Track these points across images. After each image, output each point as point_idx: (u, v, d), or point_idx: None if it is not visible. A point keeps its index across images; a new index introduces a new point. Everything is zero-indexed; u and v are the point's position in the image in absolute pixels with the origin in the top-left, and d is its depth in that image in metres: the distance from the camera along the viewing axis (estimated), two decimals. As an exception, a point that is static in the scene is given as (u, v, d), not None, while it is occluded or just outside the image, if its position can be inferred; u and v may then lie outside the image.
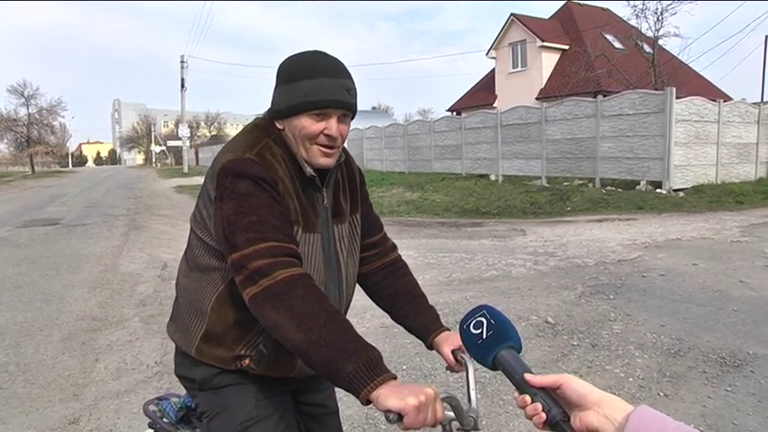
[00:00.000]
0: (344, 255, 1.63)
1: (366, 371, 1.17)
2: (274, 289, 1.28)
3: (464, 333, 1.13)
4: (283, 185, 1.44)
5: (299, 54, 1.52)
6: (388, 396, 1.13)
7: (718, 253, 8.14)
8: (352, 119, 1.55)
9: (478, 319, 1.11)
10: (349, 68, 1.52)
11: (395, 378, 1.19)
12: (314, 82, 1.43)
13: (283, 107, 1.47)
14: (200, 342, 1.54)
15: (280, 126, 1.52)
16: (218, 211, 1.39)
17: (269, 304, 1.28)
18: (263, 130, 1.53)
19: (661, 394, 3.77)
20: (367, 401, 1.17)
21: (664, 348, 4.58)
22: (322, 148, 1.48)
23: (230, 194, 1.37)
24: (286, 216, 1.41)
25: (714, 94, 24.58)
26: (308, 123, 1.45)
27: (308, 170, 1.50)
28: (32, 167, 54.93)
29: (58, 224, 13.65)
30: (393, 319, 1.78)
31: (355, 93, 1.51)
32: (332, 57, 1.51)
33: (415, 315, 1.72)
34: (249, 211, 1.35)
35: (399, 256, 1.88)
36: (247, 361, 1.52)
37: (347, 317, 1.78)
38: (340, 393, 2.21)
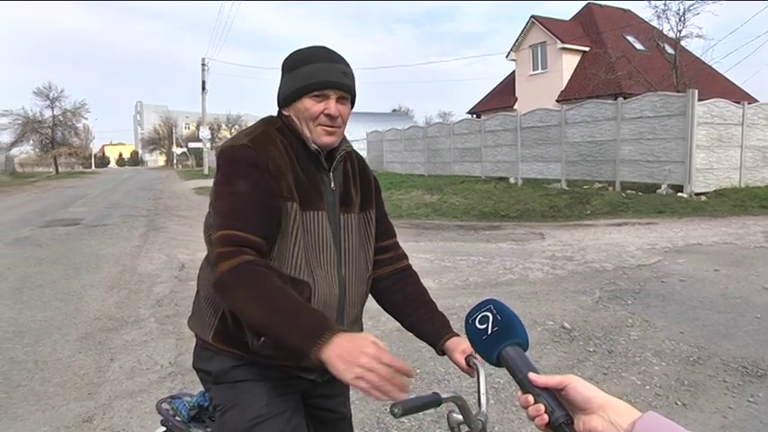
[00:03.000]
0: (349, 244, 1.67)
1: (312, 336, 1.25)
2: (223, 281, 1.39)
3: (469, 328, 1.10)
4: (275, 165, 1.52)
5: (301, 48, 1.64)
6: (337, 369, 1.20)
7: (740, 258, 8.00)
8: (353, 104, 1.67)
9: (484, 313, 1.08)
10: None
11: (339, 332, 1.25)
12: (313, 67, 1.56)
13: (287, 93, 1.60)
14: (217, 325, 1.59)
15: (287, 113, 1.62)
16: (213, 192, 1.55)
17: (222, 293, 1.42)
18: (267, 122, 1.65)
19: (679, 403, 3.71)
20: (320, 362, 1.24)
21: (682, 356, 4.50)
22: (325, 128, 1.58)
23: (221, 178, 1.51)
24: (265, 203, 1.48)
25: (738, 96, 24.23)
26: (309, 105, 1.56)
27: (313, 146, 1.59)
28: (56, 168, 55.69)
29: (79, 224, 13.81)
30: (403, 325, 1.81)
31: (353, 78, 1.63)
32: (331, 49, 1.63)
33: (426, 321, 1.74)
34: (229, 196, 1.48)
35: (410, 264, 1.91)
36: (261, 338, 1.52)
37: (363, 318, 1.81)
38: (352, 398, 2.19)
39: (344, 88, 1.59)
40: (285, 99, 1.61)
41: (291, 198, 1.52)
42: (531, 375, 0.94)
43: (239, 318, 1.46)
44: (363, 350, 1.19)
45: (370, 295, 1.84)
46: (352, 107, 1.67)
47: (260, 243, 1.45)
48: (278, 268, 1.50)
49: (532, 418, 0.91)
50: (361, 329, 1.80)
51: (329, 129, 1.58)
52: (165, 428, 1.88)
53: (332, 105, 1.56)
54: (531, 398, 0.93)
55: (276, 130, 1.60)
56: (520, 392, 0.96)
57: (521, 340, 1.03)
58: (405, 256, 1.90)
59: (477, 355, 1.55)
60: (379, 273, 1.82)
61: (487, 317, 1.07)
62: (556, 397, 0.91)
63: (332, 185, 1.64)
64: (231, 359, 1.58)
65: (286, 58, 1.63)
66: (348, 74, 1.60)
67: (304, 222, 1.54)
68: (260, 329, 1.40)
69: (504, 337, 1.03)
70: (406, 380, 1.21)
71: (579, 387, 0.88)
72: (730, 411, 3.57)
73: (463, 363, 1.59)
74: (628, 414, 0.82)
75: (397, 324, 1.81)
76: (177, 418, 1.83)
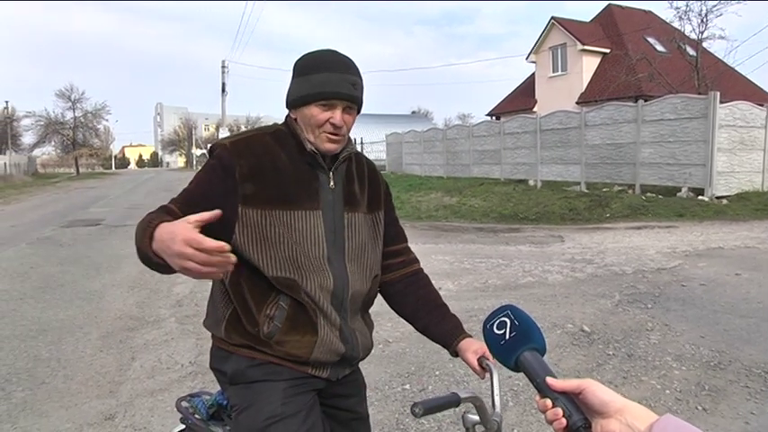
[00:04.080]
0: (354, 242, 1.70)
1: (144, 233, 1.37)
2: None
3: (487, 333, 1.10)
4: (249, 170, 1.57)
5: (312, 51, 1.67)
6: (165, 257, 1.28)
7: (762, 263, 7.89)
8: (359, 112, 1.69)
9: (502, 319, 1.08)
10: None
11: (160, 223, 1.33)
12: (323, 76, 1.58)
13: (296, 98, 1.63)
14: (229, 317, 1.63)
15: (293, 116, 1.67)
16: None
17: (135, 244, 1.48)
18: (263, 128, 1.73)
19: (699, 408, 3.67)
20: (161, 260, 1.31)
21: (703, 360, 4.45)
22: (328, 135, 1.62)
23: (201, 168, 1.66)
24: (212, 198, 1.53)
25: (762, 98, 23.89)
26: (316, 112, 1.59)
27: (309, 146, 1.63)
28: (77, 169, 56.40)
29: (100, 224, 14.00)
30: (415, 328, 1.84)
31: (361, 88, 1.66)
32: (342, 55, 1.66)
33: (439, 323, 1.79)
34: (193, 182, 1.62)
35: (422, 268, 1.94)
36: (271, 324, 1.57)
37: (383, 319, 1.86)
38: (372, 399, 2.21)
39: (352, 99, 1.62)
40: (293, 103, 1.64)
41: (260, 203, 1.57)
42: (549, 380, 0.94)
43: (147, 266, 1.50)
44: (172, 245, 1.22)
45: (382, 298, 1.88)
46: (359, 113, 1.70)
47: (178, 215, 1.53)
48: (262, 269, 1.57)
49: (550, 422, 0.91)
50: (369, 323, 1.83)
51: (333, 137, 1.62)
52: (184, 426, 1.91)
53: (338, 115, 1.59)
54: (549, 402, 0.93)
55: (270, 136, 1.66)
56: (538, 396, 0.96)
57: (538, 345, 1.04)
58: (416, 261, 1.94)
59: (490, 356, 1.57)
60: (390, 277, 1.85)
61: (505, 322, 1.08)
62: (574, 401, 0.91)
63: (331, 184, 1.67)
64: (246, 359, 1.61)
65: (297, 61, 1.66)
66: (356, 84, 1.62)
67: (288, 222, 1.58)
68: (144, 256, 1.43)
69: (521, 342, 1.04)
70: (226, 257, 1.20)
71: (597, 391, 0.88)
72: (753, 417, 3.53)
73: (475, 363, 1.62)
74: (645, 417, 0.82)
75: (414, 326, 1.84)
76: (196, 416, 1.86)
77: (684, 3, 21.14)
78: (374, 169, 1.88)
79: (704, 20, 20.47)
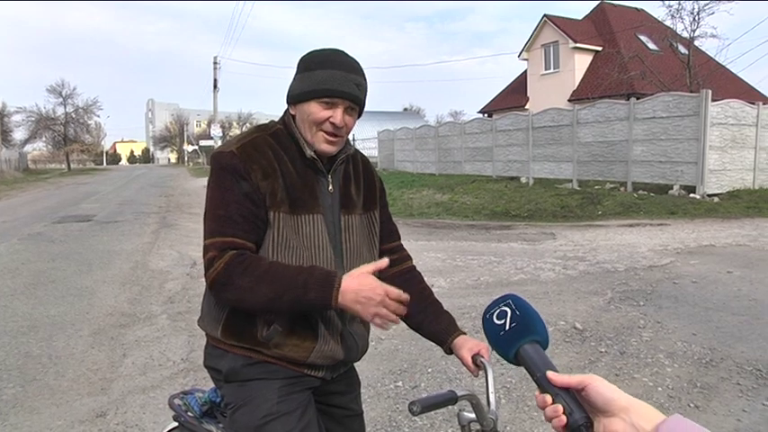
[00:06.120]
0: (351, 244, 1.68)
1: (323, 288, 1.41)
2: (220, 279, 1.46)
3: (486, 323, 1.05)
4: (262, 173, 1.54)
5: (319, 49, 1.64)
6: (356, 312, 1.44)
7: (754, 260, 7.93)
8: (360, 115, 1.66)
9: (502, 308, 1.04)
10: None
11: (342, 276, 1.43)
12: (327, 72, 1.55)
13: (297, 92, 1.60)
14: (226, 319, 1.60)
15: (293, 112, 1.64)
16: (206, 196, 1.60)
17: (221, 292, 1.49)
18: (262, 128, 1.68)
19: (691, 405, 3.69)
20: (341, 309, 1.45)
21: (695, 358, 4.47)
22: (326, 135, 1.59)
23: (212, 184, 1.57)
24: (252, 210, 1.53)
25: (753, 96, 24.01)
26: (316, 110, 1.57)
27: (309, 152, 1.60)
28: (68, 165, 56.03)
29: (91, 221, 13.90)
30: (409, 325, 1.82)
31: (365, 90, 1.62)
32: (349, 55, 1.63)
33: (433, 320, 1.77)
34: (219, 203, 1.53)
35: (414, 265, 1.93)
36: (270, 326, 1.55)
37: None
38: (365, 396, 2.20)
39: (354, 100, 1.58)
40: (294, 97, 1.61)
41: (275, 206, 1.55)
42: (550, 374, 0.89)
43: (248, 309, 1.54)
44: (374, 295, 1.40)
45: None
46: (359, 116, 1.66)
47: (250, 247, 1.53)
48: None
49: (550, 419, 0.86)
50: (367, 324, 1.81)
51: (331, 138, 1.59)
52: (176, 424, 1.90)
53: (338, 115, 1.56)
54: (548, 398, 0.88)
55: (270, 136, 1.62)
56: (537, 392, 0.91)
57: (540, 337, 0.99)
58: (409, 258, 1.93)
59: (485, 354, 1.56)
60: (384, 274, 1.82)
61: (506, 312, 1.03)
62: (575, 398, 0.86)
63: (330, 188, 1.65)
64: (242, 357, 1.59)
65: (303, 57, 1.63)
66: (361, 85, 1.59)
67: (296, 226, 1.56)
68: (272, 304, 1.46)
69: (522, 334, 0.99)
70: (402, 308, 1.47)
71: (600, 388, 0.83)
72: (744, 414, 3.55)
73: (470, 361, 1.60)
74: (651, 417, 0.78)
75: (408, 323, 1.83)
76: (189, 413, 1.85)
77: (676, 1, 21.13)
78: (369, 166, 1.86)
79: (696, 18, 20.51)
